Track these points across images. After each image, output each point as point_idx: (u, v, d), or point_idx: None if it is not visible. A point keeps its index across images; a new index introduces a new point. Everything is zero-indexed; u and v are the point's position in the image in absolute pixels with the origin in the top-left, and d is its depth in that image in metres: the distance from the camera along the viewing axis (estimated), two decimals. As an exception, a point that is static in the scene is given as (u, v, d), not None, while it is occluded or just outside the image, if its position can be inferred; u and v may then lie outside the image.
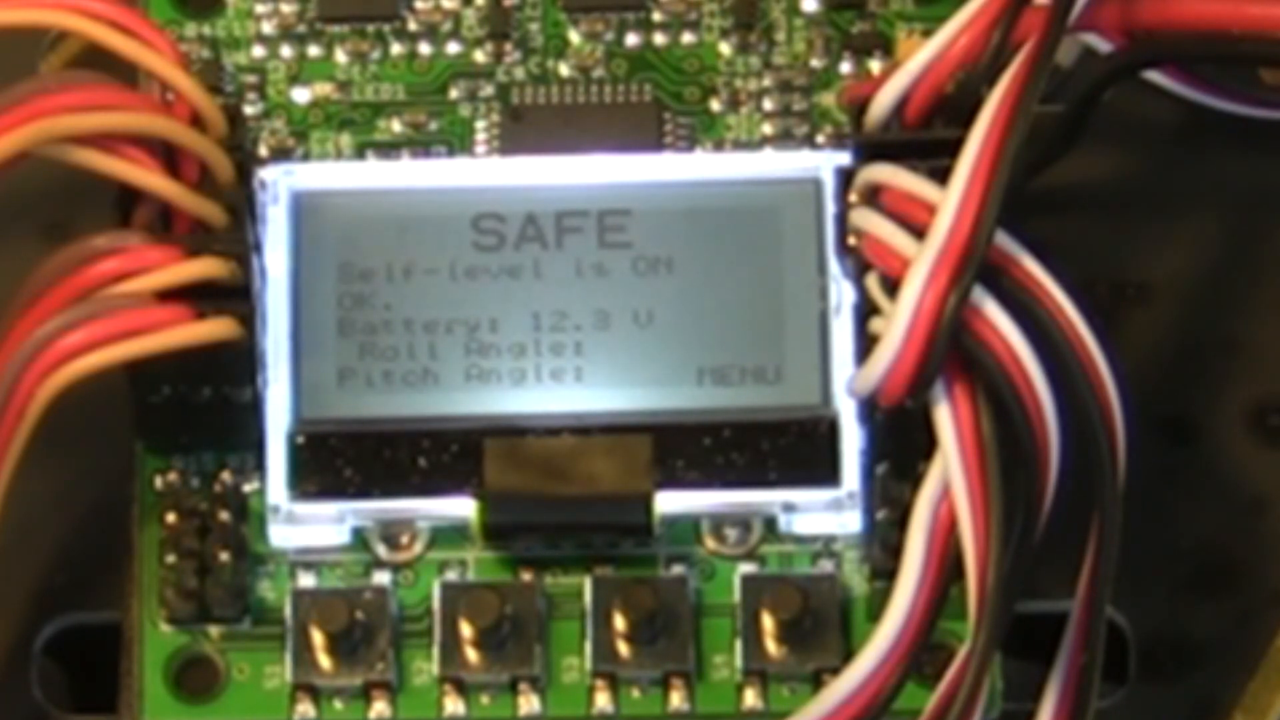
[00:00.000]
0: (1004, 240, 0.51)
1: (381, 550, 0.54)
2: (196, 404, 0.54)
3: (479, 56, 0.57)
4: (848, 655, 0.52)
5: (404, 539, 0.54)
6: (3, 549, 0.53)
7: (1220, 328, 0.58)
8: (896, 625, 0.52)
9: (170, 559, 0.53)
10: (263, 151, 0.56)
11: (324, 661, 0.52)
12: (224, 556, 0.53)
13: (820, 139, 0.56)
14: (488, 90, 0.56)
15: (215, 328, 0.51)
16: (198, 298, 0.51)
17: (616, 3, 0.58)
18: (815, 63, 0.57)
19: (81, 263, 0.52)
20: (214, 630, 0.53)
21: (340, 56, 0.57)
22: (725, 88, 0.57)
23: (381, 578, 0.53)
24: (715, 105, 0.56)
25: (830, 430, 0.52)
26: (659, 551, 0.54)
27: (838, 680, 0.51)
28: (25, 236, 0.56)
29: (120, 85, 0.53)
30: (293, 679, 0.53)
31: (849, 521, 0.53)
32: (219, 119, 0.53)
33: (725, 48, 0.57)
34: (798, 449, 0.53)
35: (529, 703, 0.53)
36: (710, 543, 0.54)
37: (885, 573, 0.53)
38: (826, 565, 0.54)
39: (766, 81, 0.57)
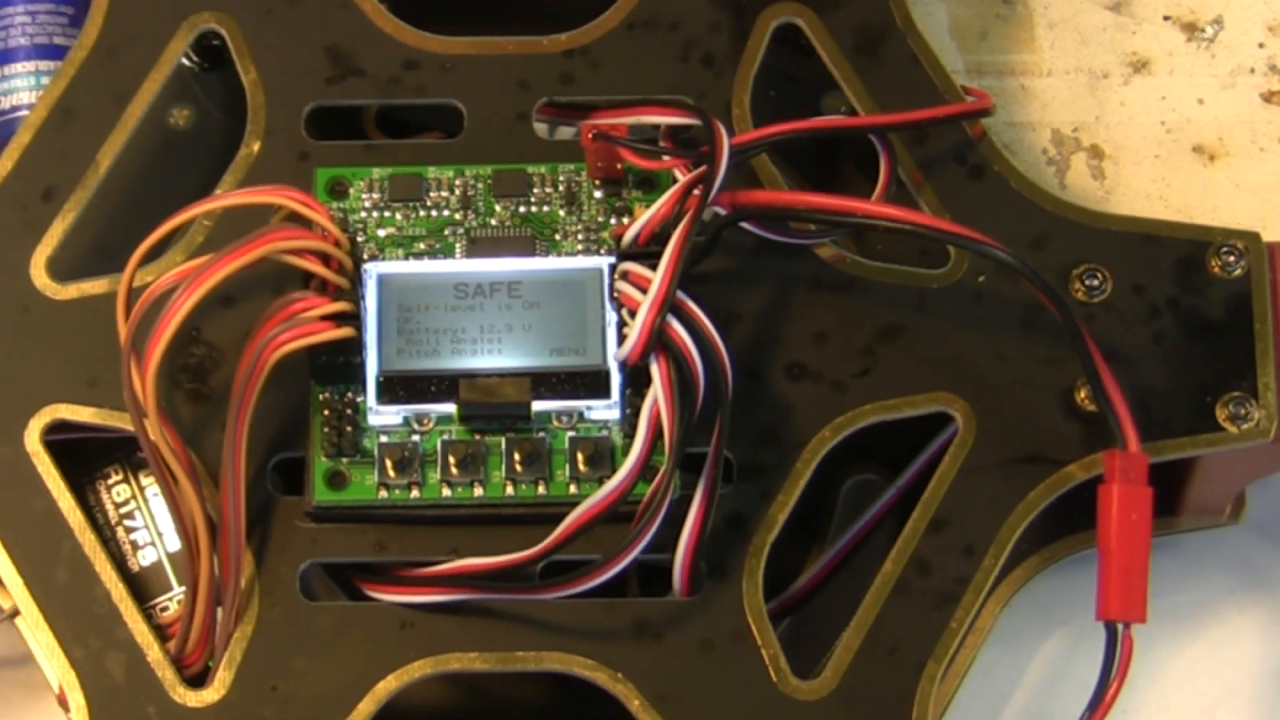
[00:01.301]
0: (680, 294, 0.68)
1: (414, 425, 0.70)
2: (336, 364, 0.70)
3: (457, 215, 0.72)
4: (613, 471, 0.68)
5: (424, 421, 0.70)
6: (253, 422, 0.68)
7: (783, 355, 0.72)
8: (634, 459, 0.68)
9: (326, 430, 0.69)
10: (365, 256, 0.71)
11: (390, 473, 0.69)
12: (348, 429, 0.70)
13: (603, 251, 0.71)
14: (461, 230, 0.72)
15: (343, 332, 0.69)
16: (337, 319, 0.69)
17: (514, 192, 0.72)
18: (600, 218, 0.72)
19: (289, 303, 0.69)
20: (344, 460, 0.69)
21: (398, 216, 0.72)
22: (563, 230, 0.72)
23: (414, 438, 0.70)
24: (557, 237, 0.72)
25: (606, 375, 0.69)
26: (533, 426, 0.70)
27: (609, 482, 0.68)
28: (265, 289, 0.70)
29: (306, 229, 0.70)
30: (377, 480, 0.69)
31: (614, 412, 0.70)
32: (346, 242, 0.70)
33: (562, 213, 0.72)
34: (592, 382, 0.69)
35: (478, 491, 0.69)
36: (555, 422, 0.70)
37: (630, 435, 0.69)
38: (604, 431, 0.70)
39: (579, 227, 0.72)
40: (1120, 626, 0.66)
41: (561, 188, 0.72)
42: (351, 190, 0.72)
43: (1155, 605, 0.68)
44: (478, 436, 0.70)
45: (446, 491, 0.69)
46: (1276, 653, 0.76)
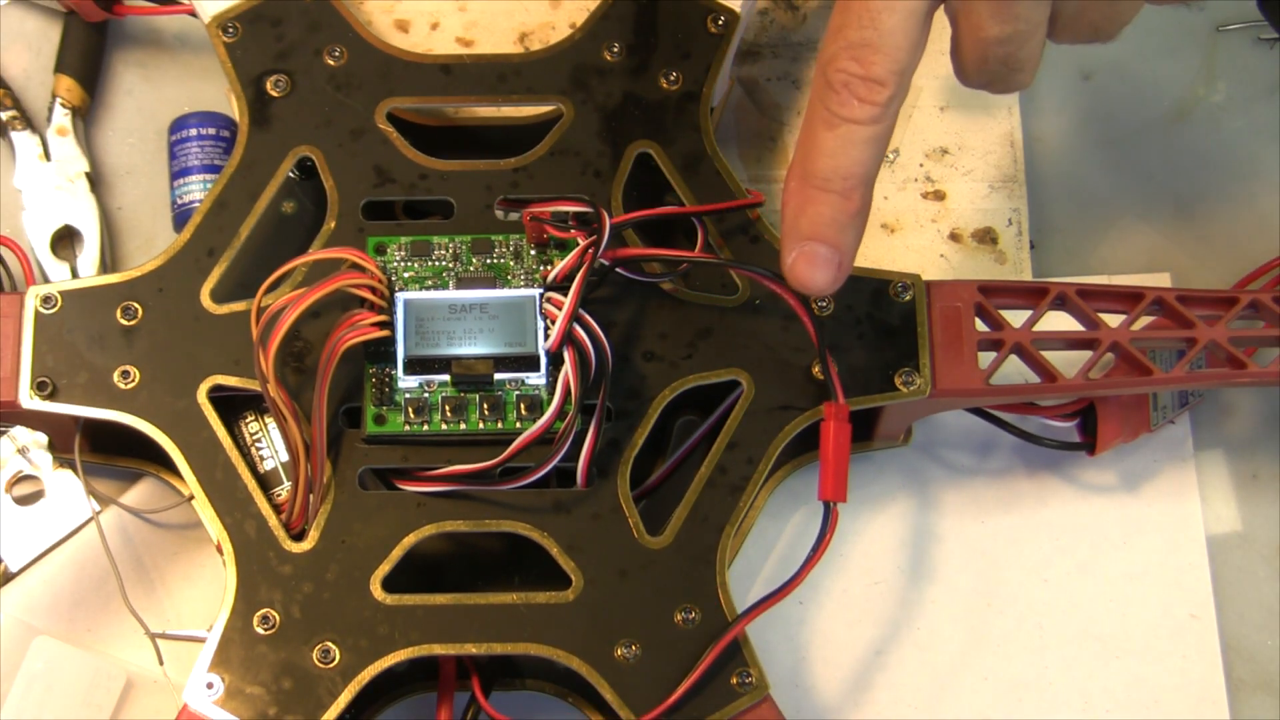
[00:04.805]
0: (581, 311, 0.66)
1: (425, 388, 0.67)
2: (380, 351, 0.68)
3: (450, 265, 0.69)
4: (542, 414, 0.67)
5: (431, 385, 0.67)
6: (331, 386, 0.66)
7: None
8: (553, 407, 0.66)
9: (373, 390, 0.67)
10: (396, 289, 0.68)
11: (411, 415, 0.67)
12: (386, 389, 0.67)
13: (536, 286, 0.68)
14: (453, 273, 0.69)
15: (383, 333, 0.67)
16: (380, 326, 0.67)
17: (483, 251, 0.70)
18: (534, 267, 0.69)
19: (351, 316, 0.67)
20: (384, 407, 0.67)
21: (415, 265, 0.69)
22: (512, 273, 0.69)
23: (425, 395, 0.67)
24: (509, 277, 0.69)
25: (537, 358, 0.67)
26: (495, 389, 0.67)
27: (539, 421, 0.67)
28: (337, 308, 0.68)
29: (362, 273, 0.67)
30: (403, 419, 0.67)
31: (542, 380, 0.67)
32: (385, 281, 0.68)
33: (512, 263, 0.69)
34: (529, 362, 0.67)
35: (462, 425, 0.67)
36: (507, 385, 0.67)
37: (551, 393, 0.67)
38: (536, 391, 0.67)
39: (522, 271, 0.69)
40: (832, 505, 0.66)
41: (511, 248, 0.71)
42: (389, 250, 0.71)
43: (854, 493, 0.69)
44: (463, 394, 0.69)
45: (444, 426, 0.68)
46: (926, 521, 0.75)
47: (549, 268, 0.70)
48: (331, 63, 0.71)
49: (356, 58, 0.71)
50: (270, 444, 0.70)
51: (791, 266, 0.62)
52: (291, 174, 0.72)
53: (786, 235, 0.62)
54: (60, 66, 0.77)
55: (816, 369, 0.69)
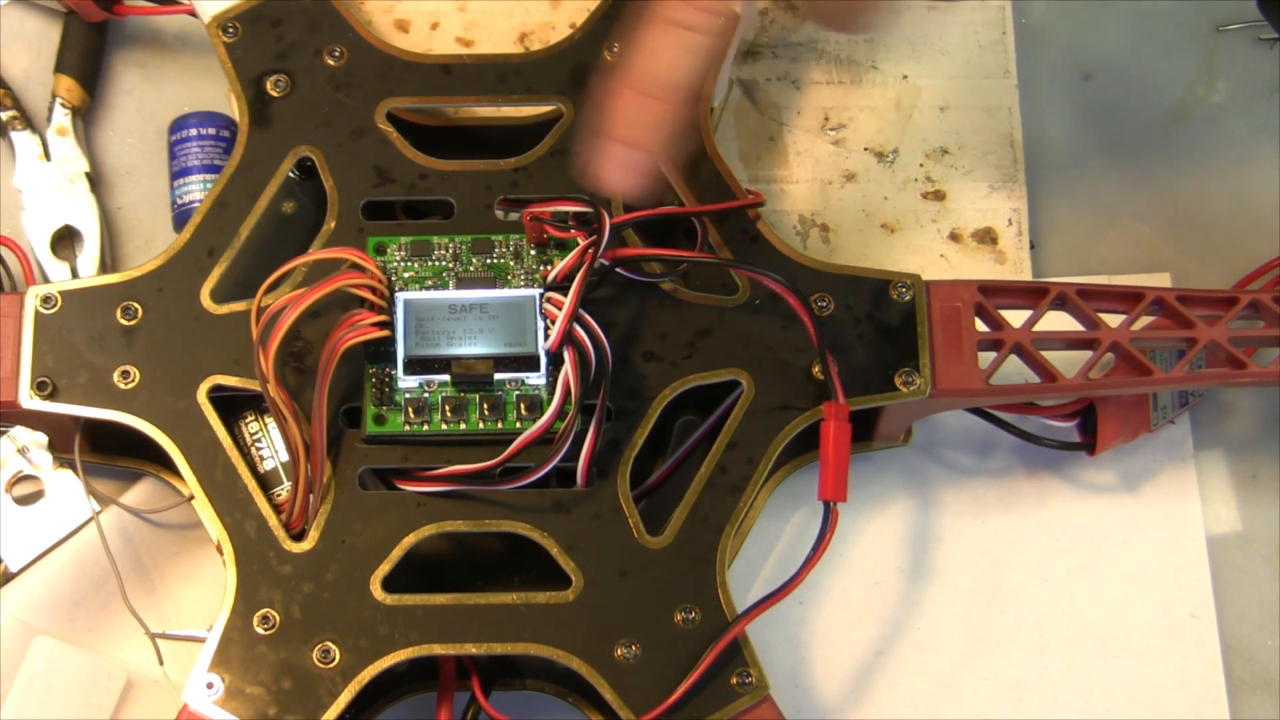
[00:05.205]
0: (581, 311, 0.66)
1: (425, 388, 0.67)
2: (380, 351, 0.67)
3: (450, 265, 0.69)
4: (542, 414, 0.66)
5: (431, 385, 0.67)
6: (331, 386, 0.65)
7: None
8: (554, 407, 0.66)
9: (373, 390, 0.67)
10: (396, 288, 0.68)
11: (411, 415, 0.66)
12: (386, 389, 0.67)
13: (536, 286, 0.68)
14: (452, 273, 0.69)
15: (383, 333, 0.66)
16: (380, 326, 0.66)
17: (483, 251, 0.69)
18: (534, 267, 0.69)
19: (352, 316, 0.66)
20: (384, 407, 0.67)
21: (415, 265, 0.68)
22: (512, 273, 0.69)
23: (425, 395, 0.67)
24: (509, 277, 0.68)
25: (537, 358, 0.67)
26: (495, 389, 0.67)
27: (539, 421, 0.66)
28: (337, 308, 0.67)
29: (361, 273, 0.67)
30: (403, 419, 0.67)
31: (542, 380, 0.67)
32: (385, 280, 0.67)
33: (512, 263, 0.69)
34: (529, 362, 0.67)
35: (462, 425, 0.67)
36: (507, 385, 0.67)
37: (551, 393, 0.67)
38: (536, 391, 0.67)
39: (522, 271, 0.69)
40: (832, 505, 0.66)
41: (511, 248, 0.70)
42: (389, 250, 0.71)
43: (854, 493, 0.69)
44: (463, 394, 0.69)
45: (444, 426, 0.68)
46: (926, 521, 0.75)
47: (549, 268, 0.69)
48: (331, 63, 0.71)
49: (356, 58, 0.71)
50: (270, 444, 0.70)
51: (602, 169, 0.61)
52: (291, 174, 0.71)
53: (600, 135, 0.61)
54: (60, 66, 0.77)
55: (816, 369, 0.68)
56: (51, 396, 0.67)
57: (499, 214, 0.70)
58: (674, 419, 0.73)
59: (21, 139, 0.76)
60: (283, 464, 0.69)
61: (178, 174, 0.75)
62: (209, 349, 0.68)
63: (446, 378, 0.68)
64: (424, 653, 0.64)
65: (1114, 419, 0.71)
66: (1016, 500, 0.74)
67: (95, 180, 0.76)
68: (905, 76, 0.79)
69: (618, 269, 0.69)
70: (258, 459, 0.69)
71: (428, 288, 0.69)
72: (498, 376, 0.67)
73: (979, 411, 0.73)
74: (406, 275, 0.70)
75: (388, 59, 0.71)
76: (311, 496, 0.66)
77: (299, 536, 0.66)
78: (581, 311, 0.66)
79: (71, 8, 0.76)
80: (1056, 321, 0.70)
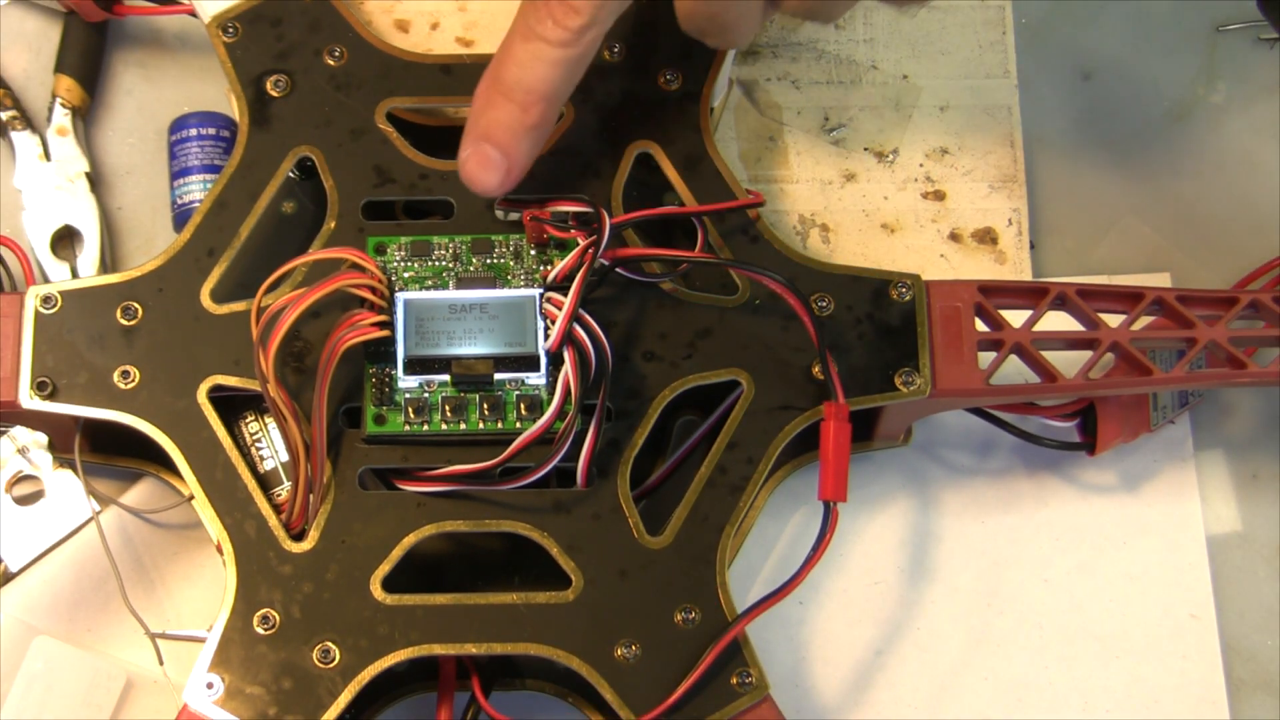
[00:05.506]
0: (581, 311, 0.66)
1: (425, 388, 0.67)
2: (380, 351, 0.67)
3: (450, 265, 0.68)
4: (542, 414, 0.66)
5: (431, 385, 0.67)
6: (331, 386, 0.65)
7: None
8: (554, 407, 0.66)
9: (373, 390, 0.67)
10: (396, 288, 0.67)
11: (411, 415, 0.66)
12: (386, 389, 0.67)
13: (536, 286, 0.68)
14: (453, 273, 0.68)
15: (383, 333, 0.66)
16: (380, 326, 0.66)
17: (483, 251, 0.69)
18: (534, 267, 0.69)
19: (352, 316, 0.66)
20: (384, 407, 0.67)
21: (415, 265, 0.68)
22: (512, 273, 0.69)
23: (425, 395, 0.67)
24: (509, 277, 0.68)
25: (537, 358, 0.66)
26: (495, 389, 0.67)
27: (539, 421, 0.66)
28: (338, 308, 0.67)
29: (362, 273, 0.67)
30: (403, 419, 0.66)
31: (542, 380, 0.67)
32: (385, 280, 0.67)
33: (512, 263, 0.69)
34: (529, 362, 0.66)
35: (462, 425, 0.66)
36: (507, 385, 0.67)
37: (551, 393, 0.66)
38: (536, 391, 0.67)
39: (522, 271, 0.69)
40: (832, 505, 0.66)
41: (511, 248, 0.70)
42: (389, 250, 0.70)
43: (854, 493, 0.69)
44: (463, 394, 0.68)
45: (444, 426, 0.68)
46: (926, 521, 0.75)
47: (549, 268, 0.69)
48: (331, 63, 0.71)
49: (356, 58, 0.71)
50: (270, 444, 0.70)
51: (464, 163, 0.63)
52: (291, 174, 0.71)
53: (467, 132, 0.63)
54: (60, 66, 0.77)
55: (816, 369, 0.68)
56: (51, 396, 0.67)
57: (499, 214, 0.70)
58: (674, 419, 0.73)
59: (21, 139, 0.76)
60: (283, 464, 0.69)
61: (178, 174, 0.75)
62: (209, 349, 0.68)
63: (446, 378, 0.67)
64: (424, 653, 0.64)
65: (1114, 419, 0.71)
66: (1016, 500, 0.74)
67: (95, 180, 0.76)
68: (905, 76, 0.79)
69: (618, 269, 0.68)
70: (258, 459, 0.69)
71: (428, 288, 0.69)
72: (498, 376, 0.67)
73: (979, 411, 0.73)
74: (406, 275, 0.69)
75: (388, 59, 0.71)
76: (311, 496, 0.66)
77: (299, 536, 0.66)
78: (581, 311, 0.66)
79: (71, 8, 0.76)
80: (1056, 321, 0.70)
